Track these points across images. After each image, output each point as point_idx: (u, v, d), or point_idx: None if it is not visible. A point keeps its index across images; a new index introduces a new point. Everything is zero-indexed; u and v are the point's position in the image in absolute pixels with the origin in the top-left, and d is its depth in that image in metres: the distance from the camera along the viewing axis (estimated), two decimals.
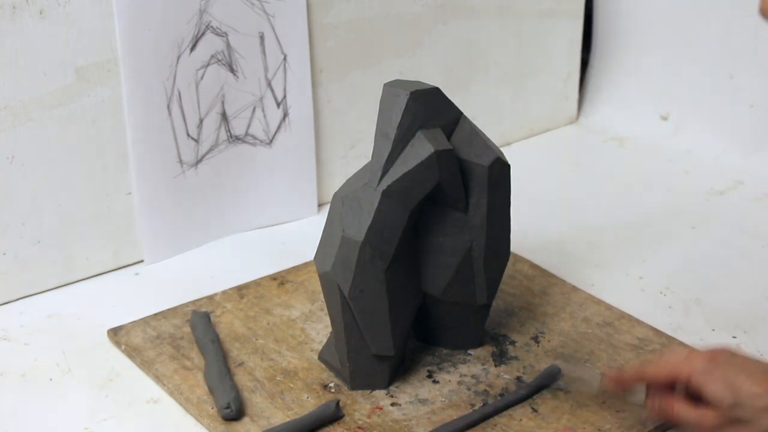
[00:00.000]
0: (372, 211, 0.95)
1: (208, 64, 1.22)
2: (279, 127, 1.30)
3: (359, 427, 0.97)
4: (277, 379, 1.03)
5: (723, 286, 1.20)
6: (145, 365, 1.06)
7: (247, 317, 1.13)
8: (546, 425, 0.96)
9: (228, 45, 1.23)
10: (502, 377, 1.04)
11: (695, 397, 0.92)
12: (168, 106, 1.20)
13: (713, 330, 1.11)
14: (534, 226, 1.32)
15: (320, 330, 1.11)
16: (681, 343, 1.08)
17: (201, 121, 1.24)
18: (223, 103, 1.25)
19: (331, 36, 1.32)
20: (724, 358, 0.92)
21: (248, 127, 1.28)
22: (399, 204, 0.96)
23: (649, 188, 1.45)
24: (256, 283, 1.20)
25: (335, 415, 0.97)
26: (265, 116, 1.29)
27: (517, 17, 1.51)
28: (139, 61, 1.16)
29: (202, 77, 1.22)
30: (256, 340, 1.09)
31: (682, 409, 0.93)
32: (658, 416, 0.95)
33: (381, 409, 0.99)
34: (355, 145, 1.39)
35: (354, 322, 0.98)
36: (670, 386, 0.94)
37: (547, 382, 1.02)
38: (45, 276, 1.19)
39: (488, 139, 1.01)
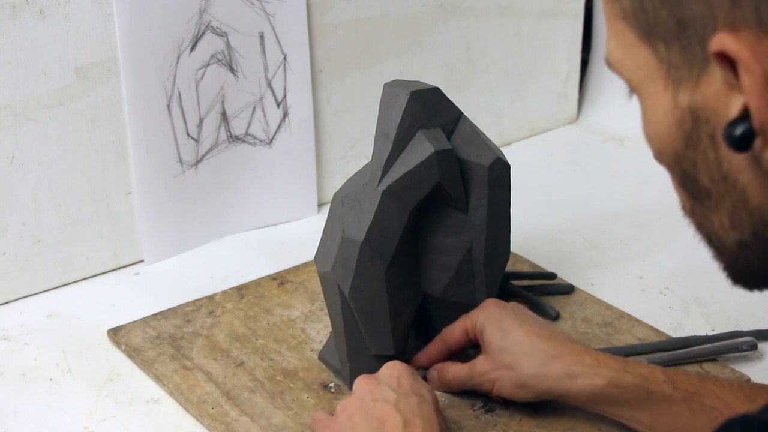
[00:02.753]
0: (372, 211, 0.95)
1: (208, 64, 1.22)
2: (279, 127, 1.30)
3: None
4: (277, 379, 1.03)
5: (723, 286, 1.19)
6: (145, 365, 1.06)
7: (247, 317, 1.13)
8: (547, 425, 0.96)
9: (228, 45, 1.23)
10: None
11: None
12: (168, 106, 1.21)
13: (713, 330, 1.11)
14: (534, 226, 1.32)
15: (320, 330, 1.11)
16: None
17: (201, 121, 1.24)
18: (223, 103, 1.25)
19: (331, 36, 1.32)
20: (513, 308, 0.97)
21: (248, 127, 1.28)
22: (399, 204, 0.96)
23: (649, 188, 1.45)
24: (256, 283, 1.20)
25: None
26: (265, 116, 1.29)
27: (517, 17, 1.51)
28: (139, 61, 1.16)
29: (202, 77, 1.22)
30: (256, 340, 1.09)
31: (456, 369, 0.98)
32: (439, 386, 0.99)
33: None
34: (355, 145, 1.39)
35: (354, 322, 0.98)
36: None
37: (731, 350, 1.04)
38: (45, 276, 1.19)
39: (488, 139, 1.01)
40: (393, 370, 0.91)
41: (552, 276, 1.19)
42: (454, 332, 0.99)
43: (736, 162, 0.59)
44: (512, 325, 0.95)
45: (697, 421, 0.87)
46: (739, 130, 0.56)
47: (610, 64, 0.64)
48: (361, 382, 0.90)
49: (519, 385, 0.93)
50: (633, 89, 0.63)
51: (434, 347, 1.01)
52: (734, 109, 0.57)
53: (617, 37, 0.62)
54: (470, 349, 1.02)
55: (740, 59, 0.55)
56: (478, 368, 0.96)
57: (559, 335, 0.94)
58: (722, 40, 0.55)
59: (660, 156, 0.64)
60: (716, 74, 0.57)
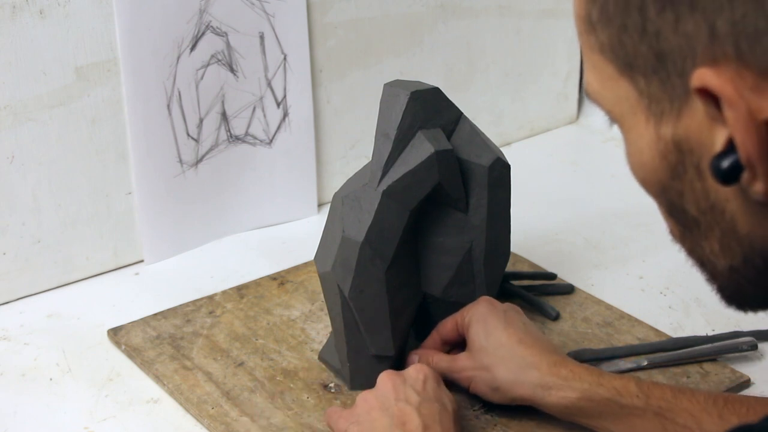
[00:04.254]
0: (372, 211, 0.95)
1: (208, 64, 1.22)
2: (279, 127, 1.30)
3: None
4: (277, 379, 1.03)
5: None
6: (145, 365, 1.06)
7: (247, 317, 1.13)
8: (547, 425, 0.96)
9: (228, 45, 1.23)
10: None
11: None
12: (168, 106, 1.20)
13: (713, 330, 1.11)
14: (534, 226, 1.32)
15: (320, 330, 1.11)
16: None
17: (201, 121, 1.24)
18: (223, 103, 1.25)
19: (331, 36, 1.32)
20: (504, 309, 0.97)
21: (248, 127, 1.28)
22: (399, 204, 0.96)
23: None
24: (256, 283, 1.20)
25: None
26: (265, 116, 1.29)
27: (517, 17, 1.51)
28: (139, 61, 1.16)
29: (202, 77, 1.22)
30: (256, 340, 1.09)
31: (438, 358, 0.98)
32: None
33: None
34: (355, 145, 1.39)
35: (354, 322, 0.98)
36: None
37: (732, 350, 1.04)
38: (45, 276, 1.19)
39: (488, 139, 1.01)
40: (419, 373, 0.91)
41: (552, 276, 1.19)
42: (446, 324, 1.01)
43: (723, 192, 0.58)
44: (497, 327, 0.95)
45: None
46: (725, 164, 0.56)
47: (589, 96, 0.64)
48: (386, 378, 0.91)
49: (493, 388, 0.94)
50: (614, 120, 0.63)
51: (430, 339, 1.02)
52: (719, 142, 0.56)
53: (595, 69, 0.62)
54: None
55: (723, 95, 0.54)
56: (459, 363, 0.97)
57: (540, 344, 0.95)
58: (703, 76, 0.54)
59: (645, 185, 0.64)
60: (698, 107, 0.56)
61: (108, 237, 1.22)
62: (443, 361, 0.99)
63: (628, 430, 0.89)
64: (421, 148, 0.96)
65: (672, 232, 0.66)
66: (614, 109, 0.62)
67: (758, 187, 0.56)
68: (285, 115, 1.30)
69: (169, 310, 1.14)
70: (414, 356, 1.01)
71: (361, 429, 0.87)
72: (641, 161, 0.62)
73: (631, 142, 0.62)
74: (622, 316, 1.13)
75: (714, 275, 0.64)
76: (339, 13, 1.32)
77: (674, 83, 0.57)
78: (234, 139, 1.28)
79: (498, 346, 0.94)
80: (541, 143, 1.59)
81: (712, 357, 1.05)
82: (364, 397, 0.90)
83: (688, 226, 0.63)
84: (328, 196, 1.33)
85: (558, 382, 0.91)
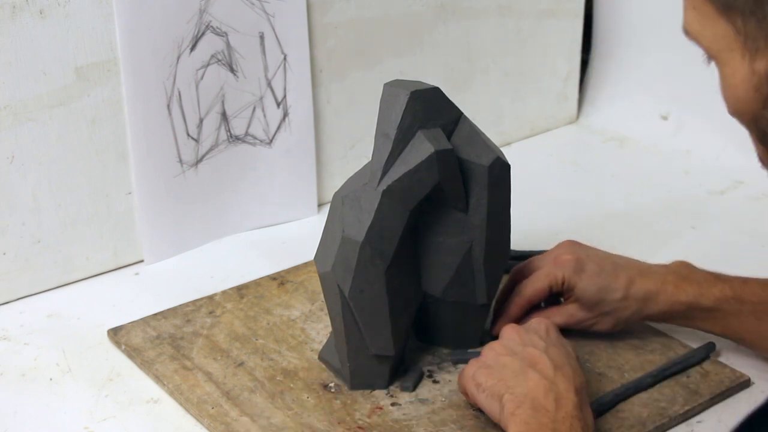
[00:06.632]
0: (372, 211, 0.95)
1: (208, 64, 1.22)
2: (279, 127, 1.30)
3: (359, 427, 0.97)
4: (277, 379, 1.03)
5: None
6: (145, 365, 1.06)
7: (247, 317, 1.13)
8: None
9: (228, 45, 1.23)
10: None
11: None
12: (168, 106, 1.21)
13: None
14: (534, 226, 1.32)
15: (320, 330, 1.11)
16: (681, 344, 1.08)
17: (201, 121, 1.24)
18: (223, 102, 1.25)
19: (331, 36, 1.32)
20: (581, 253, 1.05)
21: (248, 127, 1.28)
22: (399, 204, 0.96)
23: (649, 188, 1.45)
24: (256, 283, 1.20)
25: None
26: (265, 116, 1.29)
27: (516, 17, 1.51)
28: (139, 61, 1.16)
29: (202, 77, 1.22)
30: (256, 340, 1.09)
31: (552, 314, 1.05)
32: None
33: (381, 408, 0.99)
34: (355, 145, 1.39)
35: (354, 322, 0.98)
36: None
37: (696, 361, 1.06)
38: (45, 276, 1.19)
39: (488, 139, 1.01)
40: (540, 323, 0.98)
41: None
42: (538, 290, 1.05)
43: None
44: (602, 274, 1.03)
45: (763, 326, 1.00)
46: None
47: (688, 35, 0.70)
48: (509, 329, 0.97)
49: (616, 325, 1.05)
50: (711, 57, 0.69)
51: (516, 306, 1.06)
52: None
53: (695, 9, 0.68)
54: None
55: None
56: (576, 316, 1.04)
57: (639, 265, 1.05)
58: None
59: (738, 116, 0.70)
60: None
61: (108, 237, 1.22)
62: (558, 316, 1.04)
63: (724, 328, 1.02)
64: (421, 148, 0.96)
65: (761, 158, 0.74)
66: (712, 46, 0.68)
67: None
68: (285, 115, 1.30)
69: (169, 310, 1.14)
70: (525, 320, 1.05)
71: (491, 371, 0.92)
72: (735, 95, 0.69)
73: (727, 77, 0.69)
74: None
75: None
76: (339, 13, 1.32)
77: None
78: (234, 139, 1.28)
79: (612, 291, 1.03)
80: (541, 143, 1.59)
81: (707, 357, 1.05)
82: (491, 346, 0.95)
83: None
84: (328, 196, 1.33)
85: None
